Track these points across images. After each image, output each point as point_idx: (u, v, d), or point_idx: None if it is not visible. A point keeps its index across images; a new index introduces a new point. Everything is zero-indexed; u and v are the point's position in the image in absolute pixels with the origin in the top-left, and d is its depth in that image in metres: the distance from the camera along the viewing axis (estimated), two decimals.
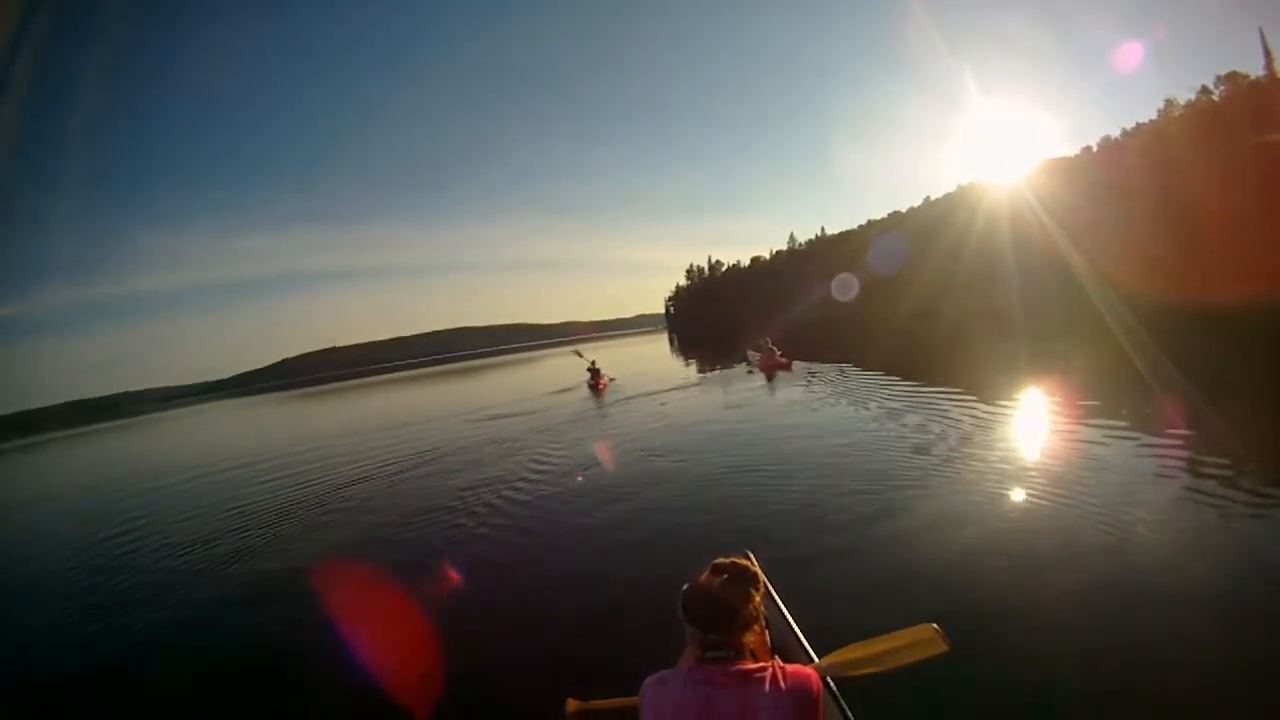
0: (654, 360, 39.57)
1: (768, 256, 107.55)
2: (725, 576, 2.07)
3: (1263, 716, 3.27)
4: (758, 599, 2.08)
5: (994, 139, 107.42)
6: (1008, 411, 10.76)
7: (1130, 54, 63.33)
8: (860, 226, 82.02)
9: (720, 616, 1.99)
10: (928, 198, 71.25)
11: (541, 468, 11.13)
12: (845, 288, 56.83)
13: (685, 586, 2.11)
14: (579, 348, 26.45)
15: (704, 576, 2.10)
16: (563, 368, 29.73)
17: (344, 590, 6.59)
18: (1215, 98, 35.95)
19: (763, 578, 2.17)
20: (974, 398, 11.84)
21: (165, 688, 5.29)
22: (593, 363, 25.49)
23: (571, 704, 2.81)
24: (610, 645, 4.57)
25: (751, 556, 2.44)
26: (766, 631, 2.86)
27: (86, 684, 5.53)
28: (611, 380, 24.42)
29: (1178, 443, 7.64)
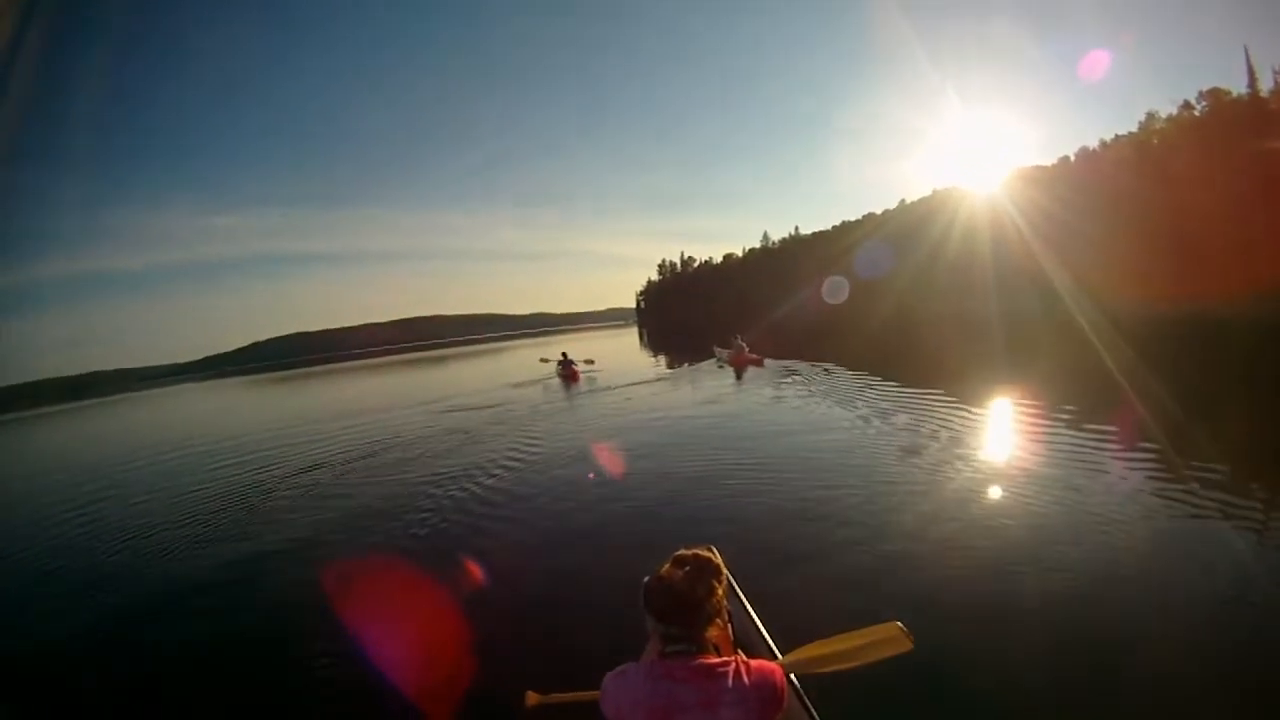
0: (624, 354, 39.35)
1: (740, 254, 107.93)
2: (688, 569, 2.01)
3: (1226, 714, 3.30)
4: (720, 592, 2.03)
5: (969, 145, 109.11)
6: (979, 415, 10.69)
7: (1096, 63, 63.90)
8: (835, 228, 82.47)
9: (682, 609, 1.94)
10: (903, 201, 71.89)
11: (506, 461, 10.81)
12: (836, 290, 56.92)
13: (647, 579, 2.06)
14: (544, 355, 26.23)
15: (666, 568, 2.04)
16: (532, 359, 29.65)
17: (297, 582, 6.49)
18: (1197, 113, 36.40)
19: (726, 571, 2.10)
20: (946, 401, 11.74)
21: (112, 672, 5.18)
22: (564, 353, 25.31)
23: (531, 697, 2.78)
24: (572, 638, 4.52)
25: (715, 550, 2.34)
26: (730, 626, 2.80)
27: (63, 672, 5.32)
28: (588, 363, 24.32)
29: (1149, 449, 7.61)
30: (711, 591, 1.98)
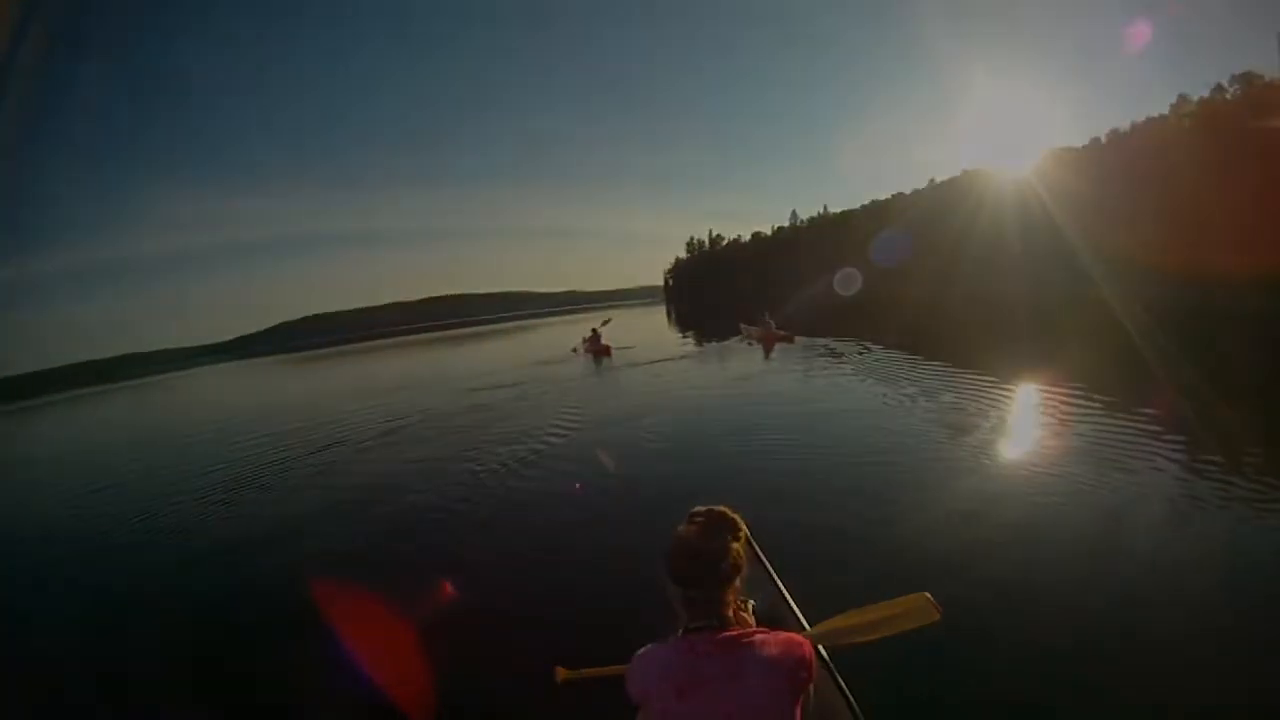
0: (652, 331, 39.07)
1: (769, 232, 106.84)
2: (701, 522, 1.96)
3: (1252, 698, 3.30)
4: (738, 548, 1.94)
5: (997, 124, 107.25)
6: (1013, 393, 10.73)
7: (1139, 34, 62.36)
8: (864, 206, 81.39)
9: (698, 564, 1.87)
10: (932, 180, 70.75)
11: (532, 437, 10.80)
12: (848, 282, 56.22)
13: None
14: (574, 345, 26.16)
15: (681, 528, 1.97)
16: (562, 337, 29.63)
17: (327, 560, 6.53)
18: (1229, 96, 35.67)
19: (745, 530, 2.00)
20: (978, 378, 11.75)
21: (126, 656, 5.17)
22: (593, 329, 25.41)
23: (561, 672, 2.83)
24: (601, 614, 4.56)
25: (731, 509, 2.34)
26: (756, 597, 2.85)
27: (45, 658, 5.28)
28: (605, 323, 24.61)
29: (1181, 432, 7.53)
30: (728, 546, 1.90)
